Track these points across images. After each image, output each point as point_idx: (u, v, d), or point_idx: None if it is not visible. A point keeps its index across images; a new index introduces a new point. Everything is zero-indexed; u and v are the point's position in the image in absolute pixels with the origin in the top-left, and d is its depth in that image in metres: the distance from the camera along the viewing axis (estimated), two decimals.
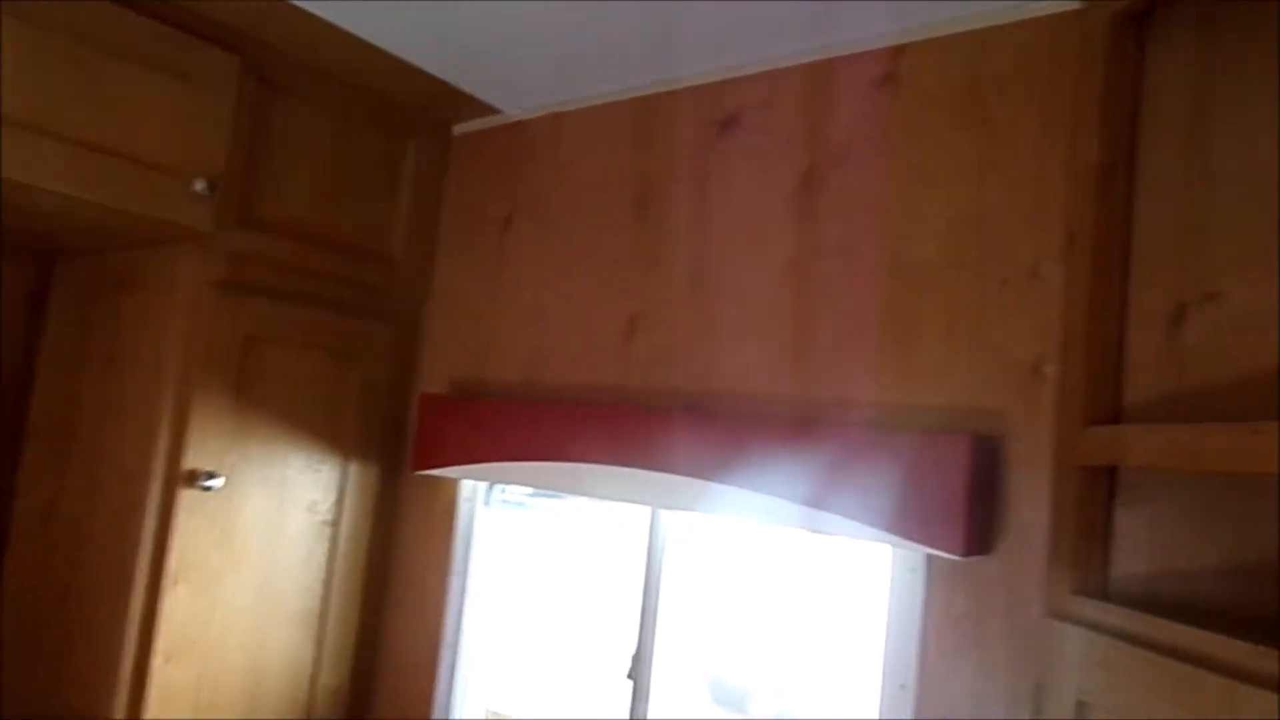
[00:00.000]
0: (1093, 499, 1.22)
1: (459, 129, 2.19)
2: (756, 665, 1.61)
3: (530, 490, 2.04)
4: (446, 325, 2.14)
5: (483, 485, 2.08)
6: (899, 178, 1.48)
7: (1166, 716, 0.96)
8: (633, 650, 1.74)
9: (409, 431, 2.15)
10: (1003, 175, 1.38)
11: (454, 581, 2.03)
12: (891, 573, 1.41)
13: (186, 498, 1.74)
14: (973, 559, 1.33)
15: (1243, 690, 0.87)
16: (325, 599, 1.99)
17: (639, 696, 1.72)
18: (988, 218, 1.39)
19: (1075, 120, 1.31)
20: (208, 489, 1.76)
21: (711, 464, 1.52)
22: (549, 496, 2.14)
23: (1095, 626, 1.12)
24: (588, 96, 1.92)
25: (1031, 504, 1.29)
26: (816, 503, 1.38)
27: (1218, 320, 1.18)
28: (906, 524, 1.29)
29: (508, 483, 2.03)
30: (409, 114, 2.11)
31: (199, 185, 1.68)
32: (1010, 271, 1.36)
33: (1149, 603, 1.18)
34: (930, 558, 1.37)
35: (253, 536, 1.85)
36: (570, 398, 1.87)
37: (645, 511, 1.80)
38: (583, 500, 1.96)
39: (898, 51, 1.51)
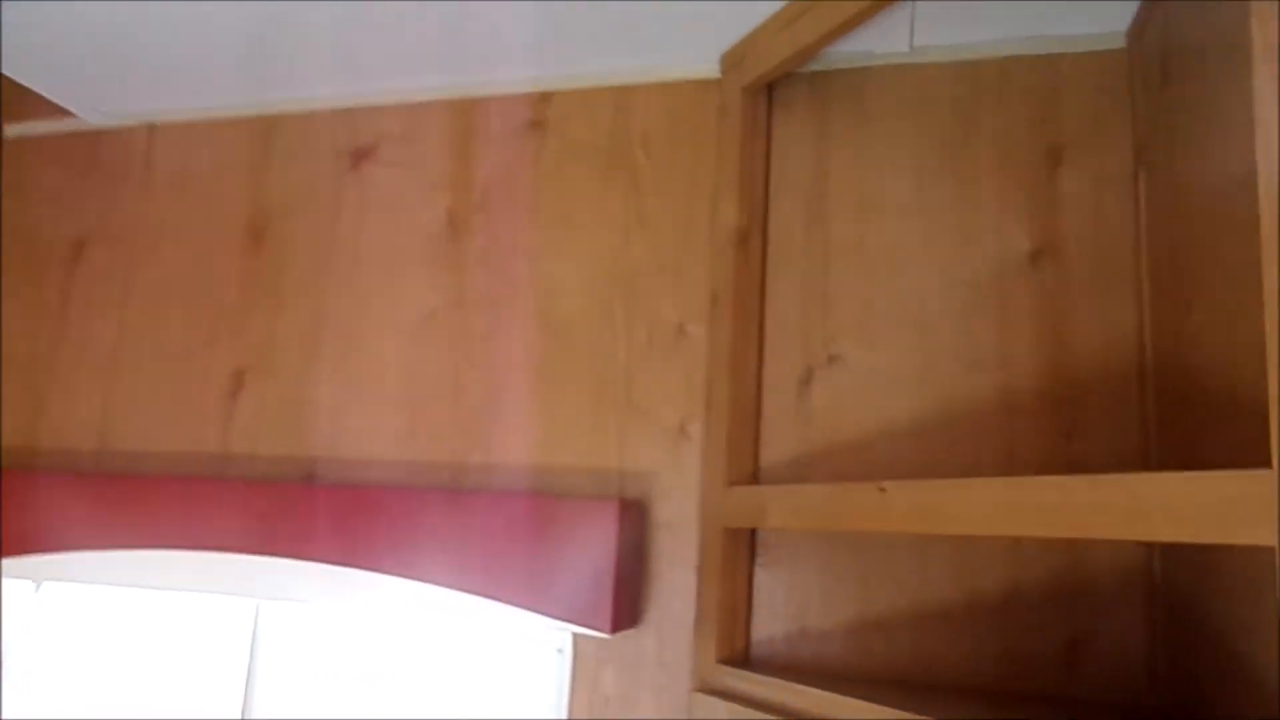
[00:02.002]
0: (736, 562, 1.20)
1: (12, 130, 1.74)
2: None
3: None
4: None
5: (28, 585, 1.61)
6: (546, 227, 1.40)
7: None
8: None
9: None
10: (649, 233, 1.36)
11: None
12: (535, 655, 1.28)
13: None
14: (622, 635, 1.24)
15: None
16: None
17: None
18: (635, 275, 1.35)
19: (716, 183, 1.33)
20: None
21: (331, 545, 1.29)
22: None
23: (739, 698, 1.08)
24: (191, 109, 1.62)
25: (680, 570, 1.25)
26: (456, 584, 1.22)
27: (839, 382, 1.24)
28: (552, 601, 1.17)
29: (64, 580, 1.60)
30: None
31: None
32: (656, 330, 1.33)
33: (789, 666, 1.17)
34: (577, 636, 1.26)
35: None
36: (155, 470, 1.51)
37: (247, 605, 1.50)
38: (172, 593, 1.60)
39: (545, 98, 1.44)
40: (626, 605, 1.21)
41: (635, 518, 1.25)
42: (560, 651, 1.27)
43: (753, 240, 1.29)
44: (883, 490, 0.94)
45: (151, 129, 1.66)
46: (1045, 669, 1.09)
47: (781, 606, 1.20)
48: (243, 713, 1.45)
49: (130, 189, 1.64)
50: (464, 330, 1.40)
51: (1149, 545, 1.07)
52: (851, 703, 0.94)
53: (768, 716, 1.02)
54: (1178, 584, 1.03)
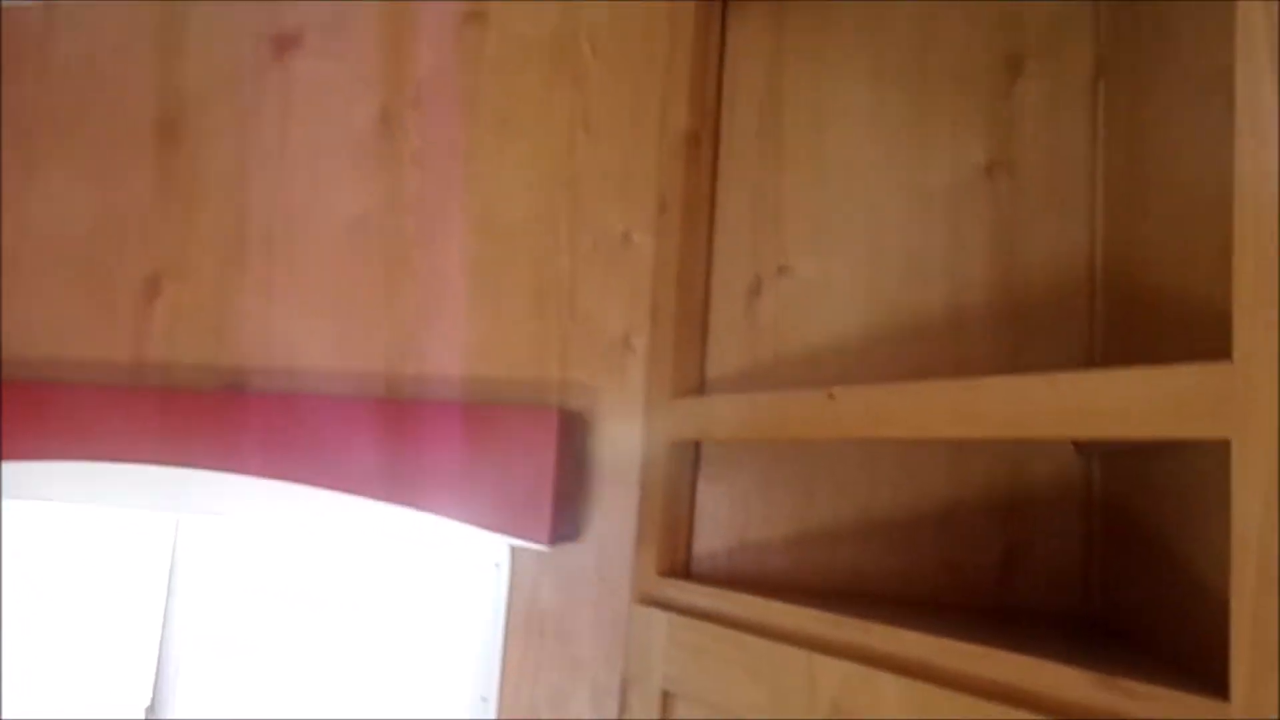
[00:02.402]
0: (679, 475, 1.17)
1: None
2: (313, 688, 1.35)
3: None
4: None
5: None
6: (486, 127, 1.32)
7: (749, 695, 0.92)
8: (150, 685, 1.37)
9: None
10: (595, 136, 1.29)
11: None
12: (470, 570, 1.25)
13: None
14: (561, 548, 1.22)
15: (819, 661, 0.85)
16: None
17: None
18: (579, 180, 1.29)
19: (667, 85, 1.27)
20: None
21: (258, 457, 1.23)
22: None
23: (680, 609, 1.07)
24: None
25: (621, 485, 1.22)
26: (390, 497, 1.17)
27: (789, 294, 1.21)
28: (489, 513, 1.13)
29: None
30: None
31: None
32: (601, 238, 1.27)
33: (729, 578, 1.16)
34: (514, 550, 1.23)
35: None
36: (63, 378, 1.42)
37: (168, 518, 1.43)
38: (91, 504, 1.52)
39: None
40: (566, 518, 1.18)
41: (576, 429, 1.21)
42: (497, 566, 1.24)
43: (703, 146, 1.24)
44: (832, 396, 0.92)
45: (49, 9, 1.51)
46: (983, 579, 1.09)
47: (724, 519, 1.19)
48: (163, 633, 1.39)
49: (26, 76, 1.50)
50: (398, 235, 1.33)
51: (1088, 456, 1.07)
52: (791, 609, 0.93)
53: (708, 625, 1.01)
54: (1115, 493, 1.04)
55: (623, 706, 1.11)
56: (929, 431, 0.82)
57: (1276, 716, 0.56)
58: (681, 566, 1.16)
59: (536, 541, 1.12)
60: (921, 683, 0.75)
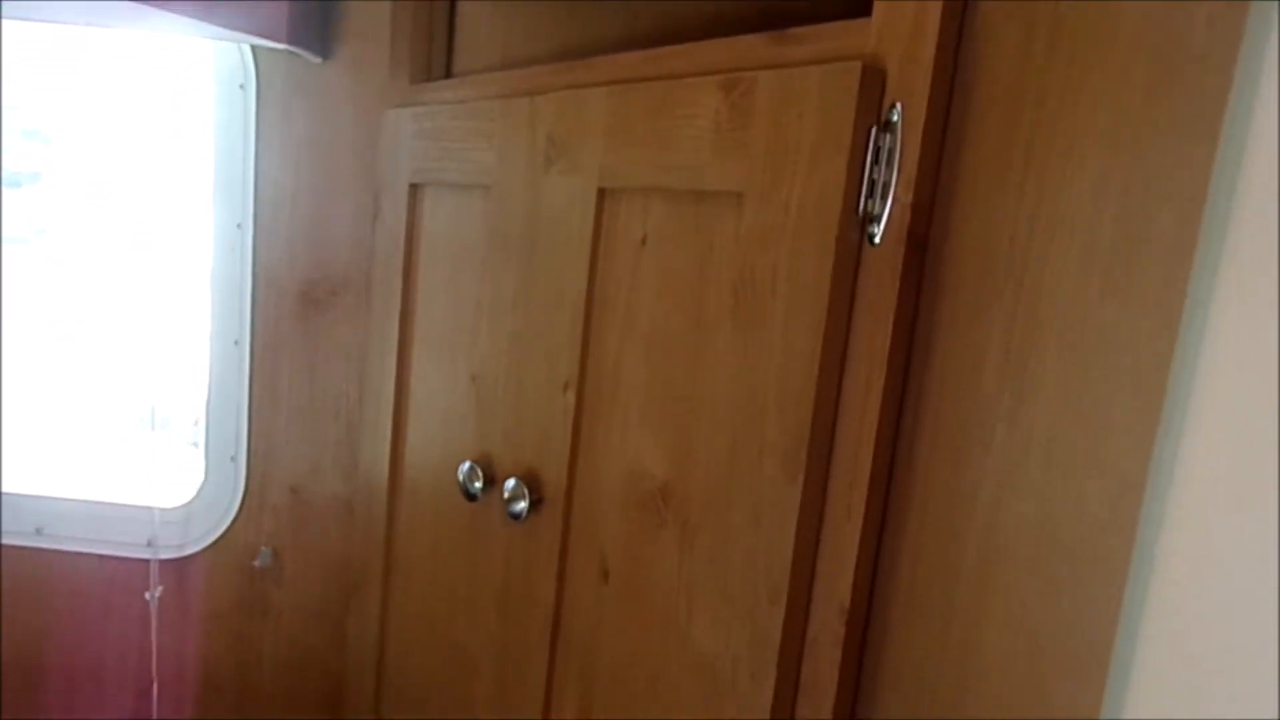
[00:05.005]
0: None
1: None
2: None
3: None
4: None
5: None
6: None
7: (483, 160, 0.91)
8: None
9: None
10: None
11: None
12: (216, 96, 1.16)
13: None
14: (311, 71, 1.14)
15: (539, 101, 0.84)
16: None
17: None
18: None
19: None
20: None
21: None
22: None
23: (432, 103, 1.04)
24: None
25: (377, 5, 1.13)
26: None
27: None
28: (217, 8, 1.02)
29: None
30: None
31: None
32: None
33: None
34: (261, 70, 1.14)
35: None
36: None
37: None
38: None
39: None
40: (309, 22, 1.09)
41: None
42: (242, 88, 1.15)
43: None
44: None
45: None
46: None
47: (485, 36, 1.13)
48: None
49: None
50: None
51: None
52: (523, 70, 0.92)
53: (450, 106, 0.98)
54: None
55: (375, 214, 1.10)
56: None
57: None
58: (438, 77, 1.12)
59: (272, 38, 1.03)
60: (623, 85, 0.75)
